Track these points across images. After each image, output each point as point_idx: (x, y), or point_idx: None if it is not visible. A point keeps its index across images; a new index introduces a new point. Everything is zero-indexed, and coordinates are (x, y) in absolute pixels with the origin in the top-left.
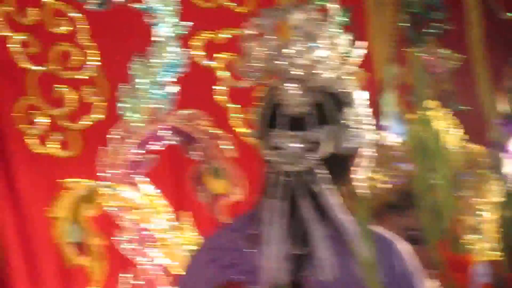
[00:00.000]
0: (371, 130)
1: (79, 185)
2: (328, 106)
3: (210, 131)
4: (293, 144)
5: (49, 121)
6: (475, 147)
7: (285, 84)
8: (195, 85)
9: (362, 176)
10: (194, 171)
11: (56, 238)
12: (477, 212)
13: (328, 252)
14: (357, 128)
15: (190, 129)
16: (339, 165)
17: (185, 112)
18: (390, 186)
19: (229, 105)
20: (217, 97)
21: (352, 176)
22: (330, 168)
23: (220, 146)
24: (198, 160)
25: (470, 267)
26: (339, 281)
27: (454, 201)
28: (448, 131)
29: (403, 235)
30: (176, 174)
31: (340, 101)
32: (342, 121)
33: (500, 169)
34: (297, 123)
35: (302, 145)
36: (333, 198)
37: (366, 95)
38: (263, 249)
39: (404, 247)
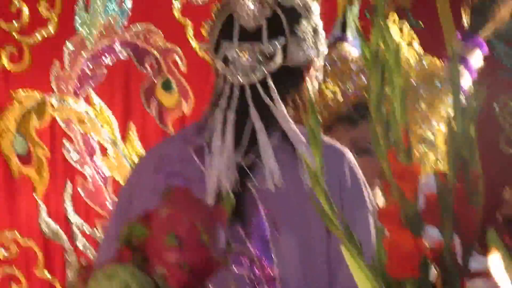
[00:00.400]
0: (324, 42)
1: (29, 97)
2: (283, 18)
3: (163, 45)
4: (246, 56)
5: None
6: (433, 60)
7: None
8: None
9: (315, 87)
10: (145, 85)
11: (3, 149)
12: (431, 124)
13: (275, 162)
14: (310, 41)
15: (143, 44)
16: (292, 76)
17: (139, 26)
18: (344, 98)
19: (184, 19)
20: (174, 12)
21: (304, 87)
22: (283, 80)
23: (173, 60)
24: (150, 74)
25: (417, 177)
26: (285, 190)
27: (405, 112)
28: (406, 44)
29: (353, 146)
30: (127, 87)
31: (294, 13)
32: (296, 34)
33: (457, 82)
34: (251, 35)
35: (255, 57)
36: (282, 110)
37: (317, 7)
38: (211, 158)
39: (352, 157)
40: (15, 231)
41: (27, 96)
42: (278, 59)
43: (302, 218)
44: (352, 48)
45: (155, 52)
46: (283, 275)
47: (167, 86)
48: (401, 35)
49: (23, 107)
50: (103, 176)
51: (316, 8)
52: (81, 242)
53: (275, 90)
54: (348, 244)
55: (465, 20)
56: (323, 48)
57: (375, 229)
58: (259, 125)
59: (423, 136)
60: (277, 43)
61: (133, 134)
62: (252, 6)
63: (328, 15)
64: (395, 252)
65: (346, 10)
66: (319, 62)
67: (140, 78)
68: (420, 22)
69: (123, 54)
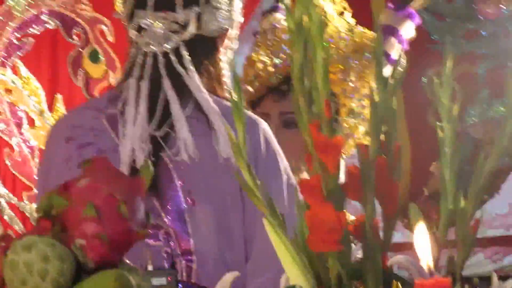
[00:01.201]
0: (239, 12)
1: None
2: None
3: (90, 15)
4: (160, 24)
5: None
6: (364, 31)
7: None
8: None
9: (229, 57)
10: (72, 55)
11: None
12: (361, 96)
13: (189, 133)
14: (224, 10)
15: (71, 14)
16: (206, 46)
17: None
18: (275, 69)
19: None
20: None
21: (218, 57)
22: (197, 49)
23: (100, 31)
24: (77, 44)
25: (339, 150)
26: (200, 160)
27: (327, 85)
28: (338, 13)
29: (282, 118)
30: (54, 57)
31: None
32: (210, 3)
33: (379, 53)
34: (166, 4)
35: (168, 26)
36: (195, 79)
37: None
38: (124, 128)
39: (267, 127)
40: None
41: None
42: (192, 28)
43: (217, 189)
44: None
45: (83, 22)
46: (199, 247)
47: (94, 57)
48: (333, 4)
49: None
50: (30, 147)
51: None
52: (7, 214)
53: (189, 59)
54: (270, 218)
55: None
56: (238, 18)
57: (296, 202)
58: (172, 95)
59: (353, 108)
60: (190, 12)
61: (60, 104)
62: None
63: None
64: (316, 225)
65: None
66: (233, 32)
67: (67, 48)
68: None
69: (50, 24)
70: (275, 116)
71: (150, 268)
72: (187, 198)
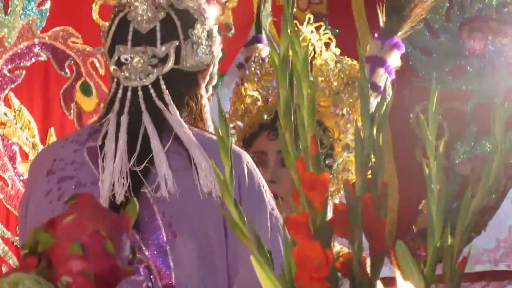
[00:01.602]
0: (219, 47)
1: None
2: (176, 21)
3: (82, 48)
4: (139, 59)
5: None
6: (353, 63)
7: (134, 0)
8: (70, 2)
9: (209, 92)
10: (64, 88)
11: None
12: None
13: (168, 168)
14: (204, 45)
15: (62, 46)
16: (186, 80)
17: (58, 28)
18: (265, 103)
19: (102, 22)
20: (93, 14)
21: (199, 92)
22: (177, 84)
23: (92, 63)
24: (69, 77)
25: (326, 186)
26: (181, 194)
27: (313, 121)
28: (324, 44)
29: (279, 156)
30: (46, 90)
31: (189, 17)
32: (190, 37)
33: (365, 89)
34: (145, 39)
35: (147, 60)
36: (175, 113)
37: (213, 11)
38: (104, 163)
39: (250, 159)
40: None
41: None
42: (170, 63)
43: (199, 222)
44: (267, 49)
45: (74, 55)
46: (181, 281)
47: (86, 90)
48: (318, 35)
49: None
50: (23, 180)
51: (211, 12)
52: (2, 249)
53: (168, 93)
54: (258, 255)
55: (382, 20)
56: (218, 53)
57: (284, 239)
58: (151, 130)
59: (347, 143)
60: (169, 46)
61: (53, 138)
62: (146, 8)
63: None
64: (304, 262)
65: (259, 10)
66: (213, 67)
67: (59, 80)
68: (336, 30)
69: (42, 56)
70: (272, 155)
71: None
72: (168, 232)
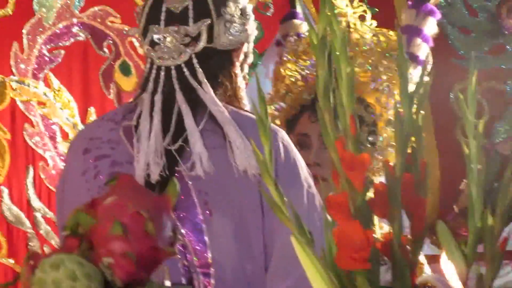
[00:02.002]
0: (253, 24)
1: None
2: (209, 0)
3: (120, 27)
4: (171, 38)
5: None
6: (389, 34)
7: None
8: None
9: (244, 70)
10: (104, 67)
11: None
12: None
13: (203, 146)
14: (237, 23)
15: (101, 26)
16: (221, 59)
17: (96, 8)
18: (304, 82)
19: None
20: None
21: (234, 70)
22: (211, 62)
23: (130, 43)
24: (108, 57)
25: (366, 167)
26: (216, 172)
27: (353, 100)
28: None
29: (320, 140)
30: (86, 70)
31: None
32: (222, 16)
33: (404, 71)
34: (178, 18)
35: (180, 39)
36: (209, 91)
37: None
38: (139, 142)
39: (286, 136)
40: None
41: None
42: (203, 41)
43: (234, 200)
44: (305, 25)
45: (113, 35)
46: (218, 259)
47: (125, 70)
48: (352, 8)
49: None
50: (64, 160)
51: None
52: (44, 229)
53: (201, 72)
54: (298, 236)
55: None
56: (252, 31)
57: (324, 220)
58: (185, 108)
59: (389, 118)
60: (202, 25)
61: (93, 117)
62: None
63: None
64: (344, 243)
65: None
66: (248, 45)
67: (98, 60)
68: (376, 9)
69: (81, 36)
70: (315, 138)
71: (167, 283)
72: (204, 210)
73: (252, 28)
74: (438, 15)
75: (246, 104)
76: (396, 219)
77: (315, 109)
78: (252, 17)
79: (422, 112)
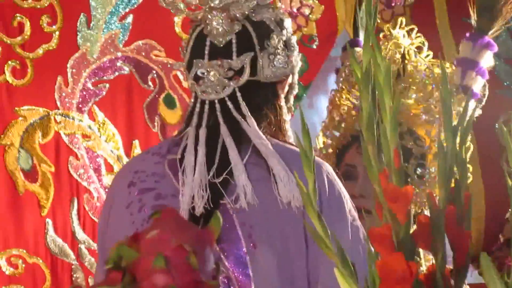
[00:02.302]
0: (297, 56)
1: (32, 112)
2: (252, 33)
3: (165, 61)
4: (215, 72)
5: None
6: (446, 66)
7: (209, 14)
8: (152, 15)
9: (290, 102)
10: (148, 100)
11: (8, 165)
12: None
13: (247, 179)
14: (282, 55)
15: (145, 59)
16: (265, 91)
17: (140, 42)
18: (357, 112)
19: (185, 34)
20: (175, 27)
21: (280, 103)
22: (255, 95)
23: (175, 76)
24: (152, 90)
25: (409, 199)
26: (260, 204)
27: (396, 133)
28: (416, 47)
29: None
30: (130, 103)
31: (265, 28)
32: (266, 49)
33: (448, 103)
34: (222, 51)
35: (223, 73)
36: (253, 124)
37: (289, 21)
38: (184, 175)
39: (331, 169)
40: (22, 248)
41: (31, 111)
42: (246, 74)
43: (278, 233)
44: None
45: (157, 68)
46: None
47: (169, 103)
48: (410, 39)
49: (27, 122)
50: None
51: (288, 22)
52: (88, 261)
53: (245, 105)
54: (342, 268)
55: (473, 19)
56: (297, 63)
57: (367, 251)
58: (229, 142)
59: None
60: (245, 58)
61: (137, 150)
62: (221, 22)
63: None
64: (387, 275)
65: (356, 11)
66: (293, 77)
67: (142, 93)
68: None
69: (125, 70)
70: (361, 169)
71: None
72: (248, 242)
73: (297, 59)
74: (495, 48)
75: (291, 136)
76: (439, 251)
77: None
78: (296, 48)
79: (466, 145)
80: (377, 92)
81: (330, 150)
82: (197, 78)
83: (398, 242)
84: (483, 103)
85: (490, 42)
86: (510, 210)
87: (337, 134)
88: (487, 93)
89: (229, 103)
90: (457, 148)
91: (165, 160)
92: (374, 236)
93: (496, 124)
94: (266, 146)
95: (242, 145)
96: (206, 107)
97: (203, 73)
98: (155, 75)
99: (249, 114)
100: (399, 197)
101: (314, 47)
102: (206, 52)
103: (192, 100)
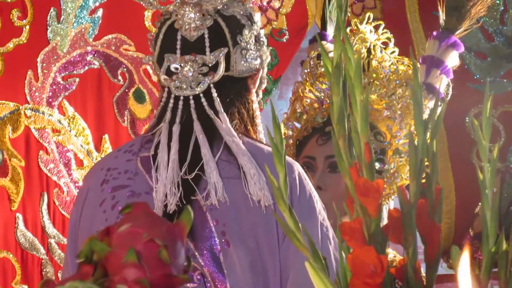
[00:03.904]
0: (267, 51)
1: (3, 107)
2: (224, 28)
3: (135, 55)
4: (189, 68)
5: None
6: (408, 62)
7: (180, 8)
8: (122, 10)
9: (259, 97)
10: (118, 95)
11: None
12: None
13: (218, 176)
14: (253, 50)
15: (115, 53)
16: (237, 86)
17: (110, 36)
18: (319, 105)
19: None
20: (145, 21)
21: (252, 98)
22: (228, 90)
23: (145, 70)
24: (122, 85)
25: (380, 193)
26: (233, 201)
27: (367, 127)
28: (382, 43)
29: (328, 162)
30: (100, 97)
31: (236, 23)
32: (238, 43)
33: (419, 99)
34: (194, 47)
35: (198, 69)
36: (225, 121)
37: (259, 16)
38: (157, 172)
39: (301, 168)
40: None
41: (1, 106)
42: (221, 70)
43: (250, 229)
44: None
45: (127, 62)
46: (235, 287)
47: (139, 97)
48: (377, 35)
49: None
50: (79, 187)
51: (257, 16)
52: (58, 255)
53: (219, 102)
54: (313, 262)
55: (442, 19)
56: (267, 57)
57: (339, 246)
58: (202, 138)
59: (398, 147)
60: (219, 54)
61: (107, 145)
62: (193, 16)
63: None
64: (358, 268)
65: (324, 5)
66: (262, 71)
67: (112, 88)
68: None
69: (95, 64)
70: (320, 160)
71: None
72: (221, 240)
73: (267, 53)
74: (462, 48)
75: (261, 131)
76: (410, 244)
77: (325, 132)
78: (266, 42)
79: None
80: (347, 86)
81: (291, 141)
82: (169, 73)
83: (369, 236)
84: (446, 102)
85: (456, 42)
86: (480, 204)
87: (298, 125)
88: (450, 92)
89: (203, 99)
90: (428, 142)
91: (137, 157)
92: (345, 229)
93: (467, 118)
94: (237, 144)
95: (215, 142)
96: (180, 103)
97: (176, 68)
98: (124, 70)
99: (222, 110)
100: (370, 190)
101: (284, 40)
102: (178, 46)
103: (165, 96)
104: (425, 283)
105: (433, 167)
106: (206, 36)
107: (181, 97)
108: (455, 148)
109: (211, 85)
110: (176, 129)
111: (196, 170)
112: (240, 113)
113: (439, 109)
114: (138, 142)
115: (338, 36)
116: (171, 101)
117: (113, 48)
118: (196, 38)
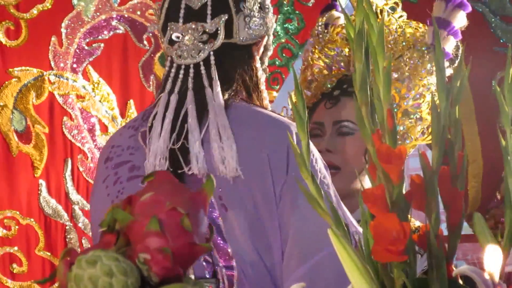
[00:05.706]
0: (272, 18)
1: (26, 73)
2: None
3: None
4: (189, 36)
5: None
6: (416, 27)
7: None
8: None
9: (264, 64)
10: (143, 60)
11: (1, 126)
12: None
13: (200, 146)
14: (257, 17)
15: (140, 18)
16: (240, 54)
17: (136, 1)
18: (328, 72)
19: None
20: None
21: (256, 65)
22: (230, 58)
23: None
24: (148, 49)
25: (403, 159)
26: (217, 177)
27: (389, 93)
28: (390, 8)
29: (335, 126)
30: (125, 62)
31: None
32: (241, 10)
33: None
34: (197, 14)
35: (198, 37)
36: (216, 89)
37: None
38: (149, 143)
39: None
40: (15, 210)
41: (24, 72)
42: (221, 38)
43: (247, 194)
44: (341, 16)
45: (153, 27)
46: (237, 252)
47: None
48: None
49: (21, 83)
50: None
51: None
52: (82, 221)
53: (215, 70)
54: (335, 229)
55: None
56: (272, 24)
57: (361, 213)
58: (190, 108)
59: (407, 109)
60: (219, 21)
61: (132, 110)
62: None
63: None
64: (381, 235)
65: None
66: (268, 38)
67: (138, 53)
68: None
69: (120, 29)
70: (329, 125)
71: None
72: (219, 205)
73: (272, 20)
74: (468, 8)
75: (266, 97)
76: (433, 211)
77: (333, 96)
78: (271, 9)
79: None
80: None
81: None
82: (171, 42)
83: (392, 203)
84: (455, 64)
85: (463, 2)
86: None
87: (308, 93)
88: (460, 54)
89: (202, 68)
90: (450, 108)
91: (138, 132)
92: (367, 196)
93: (493, 81)
94: (216, 115)
95: (207, 111)
96: (181, 72)
97: (177, 37)
98: (150, 34)
99: (216, 78)
100: (393, 157)
101: (310, 5)
102: (181, 15)
103: (168, 65)
104: (447, 250)
105: (456, 133)
106: (209, 3)
107: (183, 66)
108: (482, 112)
109: (211, 53)
110: (173, 98)
111: (182, 139)
112: (243, 79)
113: (462, 75)
114: (140, 117)
115: (361, 3)
116: (173, 70)
117: (138, 13)
118: (200, 6)
